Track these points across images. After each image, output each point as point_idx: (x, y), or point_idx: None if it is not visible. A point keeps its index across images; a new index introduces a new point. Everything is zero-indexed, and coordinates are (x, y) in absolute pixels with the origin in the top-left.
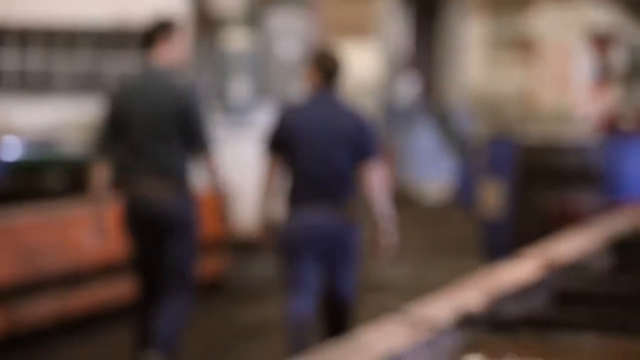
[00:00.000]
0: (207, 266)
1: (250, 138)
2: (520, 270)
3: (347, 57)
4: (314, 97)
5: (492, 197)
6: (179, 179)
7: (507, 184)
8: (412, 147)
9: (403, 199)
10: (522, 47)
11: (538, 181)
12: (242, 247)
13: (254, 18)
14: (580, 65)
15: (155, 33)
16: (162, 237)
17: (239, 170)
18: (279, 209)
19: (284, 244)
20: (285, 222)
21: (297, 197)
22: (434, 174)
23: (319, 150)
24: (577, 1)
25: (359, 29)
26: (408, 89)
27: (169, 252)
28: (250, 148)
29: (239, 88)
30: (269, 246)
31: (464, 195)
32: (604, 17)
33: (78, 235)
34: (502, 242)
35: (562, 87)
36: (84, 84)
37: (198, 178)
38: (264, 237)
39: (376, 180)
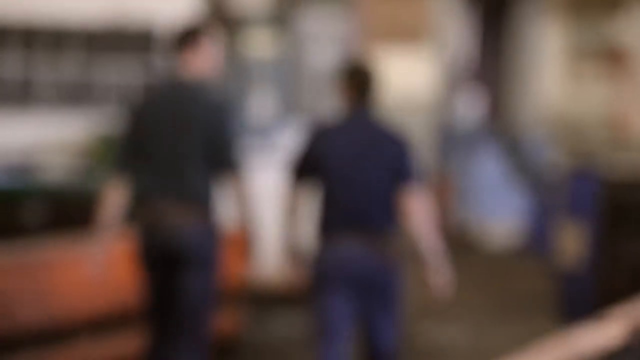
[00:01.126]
0: (224, 321)
1: (274, 164)
2: (604, 334)
3: (395, 68)
4: (347, 116)
5: (572, 243)
6: (203, 206)
7: (590, 228)
8: (474, 180)
9: (461, 244)
10: (610, 58)
11: (628, 225)
12: (262, 299)
13: (281, 19)
14: None
15: (182, 40)
16: (179, 271)
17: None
18: (305, 241)
19: (313, 282)
20: (314, 257)
21: (329, 228)
22: (500, 214)
23: (354, 176)
24: None
25: (411, 34)
26: (470, 108)
27: (185, 289)
28: (273, 177)
29: (262, 103)
30: (299, 279)
31: (537, 240)
32: None
33: (61, 282)
34: (582, 299)
35: None
36: (70, 96)
37: (224, 209)
38: (292, 268)
39: (420, 210)
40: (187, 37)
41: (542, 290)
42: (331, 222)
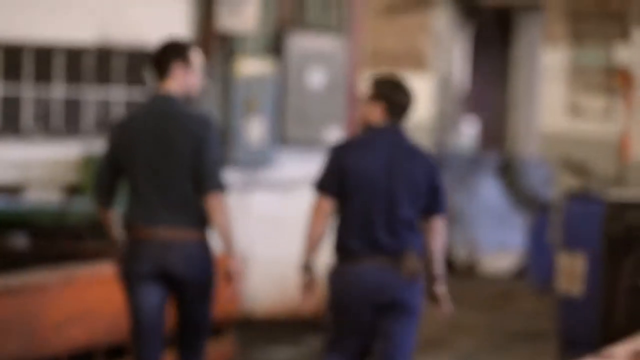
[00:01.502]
0: (211, 353)
1: (266, 195)
2: None
3: None
4: (374, 134)
5: (573, 271)
6: (194, 224)
7: (592, 255)
8: (471, 207)
9: (457, 271)
10: (612, 79)
11: (633, 252)
12: (253, 326)
13: (276, 40)
14: None
15: (166, 57)
16: (174, 290)
17: (248, 236)
18: (323, 260)
19: (331, 301)
20: (333, 275)
21: (350, 247)
22: (498, 241)
23: (380, 195)
24: None
25: (408, 59)
26: (467, 132)
27: (182, 307)
28: (264, 208)
29: (254, 129)
30: (308, 305)
31: (537, 268)
32: None
33: (50, 316)
34: (584, 331)
35: None
36: (58, 118)
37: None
38: (303, 292)
39: (440, 237)
40: (177, 53)
41: (542, 321)
42: (352, 242)
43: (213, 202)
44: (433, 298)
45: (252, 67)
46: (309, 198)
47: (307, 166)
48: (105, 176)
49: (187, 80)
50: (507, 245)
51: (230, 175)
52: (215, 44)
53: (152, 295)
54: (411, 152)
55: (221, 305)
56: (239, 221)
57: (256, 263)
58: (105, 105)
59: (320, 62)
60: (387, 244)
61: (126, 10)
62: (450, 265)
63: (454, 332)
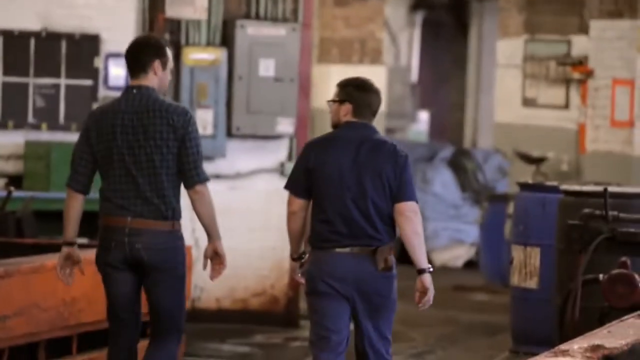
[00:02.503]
0: None
1: (215, 186)
2: None
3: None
4: (342, 130)
5: (527, 264)
6: (167, 212)
7: (547, 248)
8: (424, 199)
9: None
10: (572, 70)
11: (589, 245)
12: (198, 324)
13: (225, 30)
14: None
15: (146, 55)
16: (147, 277)
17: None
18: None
19: (309, 290)
20: (309, 264)
21: (324, 238)
22: (451, 233)
23: (351, 187)
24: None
25: (360, 49)
26: (421, 123)
27: (155, 294)
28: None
29: (202, 120)
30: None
31: (491, 261)
32: None
33: None
34: (539, 325)
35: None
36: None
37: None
38: (295, 279)
39: (412, 223)
40: (156, 52)
41: (496, 315)
42: (325, 234)
43: (197, 193)
44: (418, 290)
45: (200, 56)
46: (258, 189)
47: (257, 157)
48: (81, 163)
49: (161, 77)
50: (461, 237)
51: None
52: (164, 32)
53: (125, 282)
54: (378, 144)
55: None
56: (184, 212)
57: (203, 255)
58: (50, 93)
59: (270, 52)
60: (360, 234)
61: None
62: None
63: (410, 326)
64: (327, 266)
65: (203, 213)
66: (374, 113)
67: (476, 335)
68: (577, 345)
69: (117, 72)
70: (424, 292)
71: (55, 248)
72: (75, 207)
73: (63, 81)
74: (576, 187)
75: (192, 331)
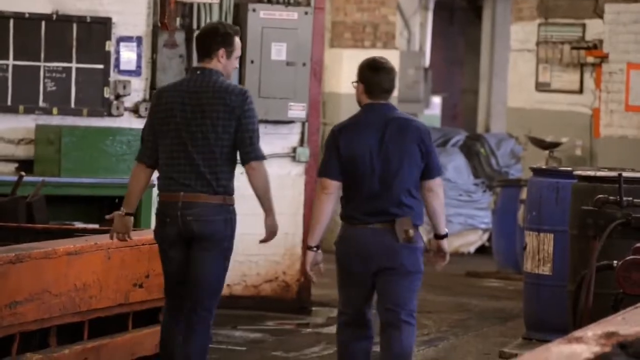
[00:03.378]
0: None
1: None
2: (576, 351)
3: (355, 68)
4: (365, 112)
5: (541, 250)
6: (220, 190)
7: (561, 234)
8: None
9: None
10: (586, 55)
11: (603, 231)
12: None
13: (237, 13)
14: None
15: (213, 42)
16: (194, 250)
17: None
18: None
19: (337, 262)
20: (338, 240)
21: (354, 216)
22: (463, 219)
23: (378, 167)
24: None
25: (373, 33)
26: (432, 107)
27: (201, 266)
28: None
29: None
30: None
31: (504, 247)
32: None
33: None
34: (552, 312)
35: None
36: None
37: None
38: (306, 265)
39: (438, 197)
40: (224, 40)
41: (510, 302)
42: (355, 209)
43: (253, 170)
44: (437, 252)
45: None
46: (271, 174)
47: (269, 142)
48: (148, 139)
49: (227, 64)
50: (474, 223)
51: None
52: (176, 15)
53: (180, 258)
54: (402, 122)
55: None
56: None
57: None
58: (61, 77)
59: (282, 36)
60: (389, 211)
61: None
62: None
63: (422, 313)
64: (354, 242)
65: (258, 187)
66: (386, 91)
67: (489, 321)
68: (591, 332)
69: (129, 56)
70: (443, 255)
71: (66, 233)
72: (141, 179)
73: (74, 65)
74: (590, 172)
75: None
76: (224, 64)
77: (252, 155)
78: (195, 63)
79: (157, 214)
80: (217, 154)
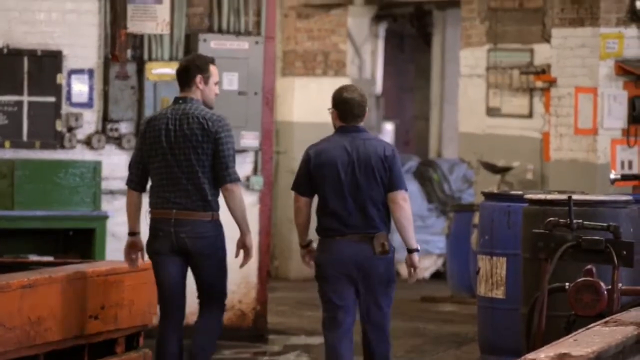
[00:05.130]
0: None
1: None
2: None
3: (309, 98)
4: (337, 134)
5: (494, 274)
6: (207, 207)
7: (513, 257)
8: None
9: None
10: (535, 79)
11: (555, 253)
12: None
13: (188, 44)
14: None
15: (190, 72)
16: (192, 259)
17: None
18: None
19: (317, 272)
20: (317, 251)
21: (328, 227)
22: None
23: (346, 182)
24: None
25: (324, 62)
26: (384, 134)
27: (199, 273)
28: None
29: None
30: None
31: (457, 271)
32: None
33: None
34: (506, 335)
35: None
36: None
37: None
38: (305, 263)
39: (403, 209)
40: (199, 69)
41: (464, 326)
42: (328, 224)
43: (228, 191)
44: (408, 266)
45: (164, 71)
46: (224, 203)
47: None
48: (137, 165)
49: (205, 90)
50: (428, 248)
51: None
52: (127, 47)
53: (171, 267)
54: (368, 142)
55: (138, 313)
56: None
57: None
58: (12, 110)
59: (234, 66)
60: (358, 224)
61: (33, 11)
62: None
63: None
64: (333, 253)
65: (233, 209)
66: (358, 115)
67: (444, 346)
68: (544, 354)
69: (80, 88)
70: (414, 268)
71: (20, 266)
72: (133, 202)
73: (26, 98)
74: (540, 196)
75: None
76: (202, 90)
77: (228, 179)
78: (177, 95)
79: (150, 229)
80: (200, 173)
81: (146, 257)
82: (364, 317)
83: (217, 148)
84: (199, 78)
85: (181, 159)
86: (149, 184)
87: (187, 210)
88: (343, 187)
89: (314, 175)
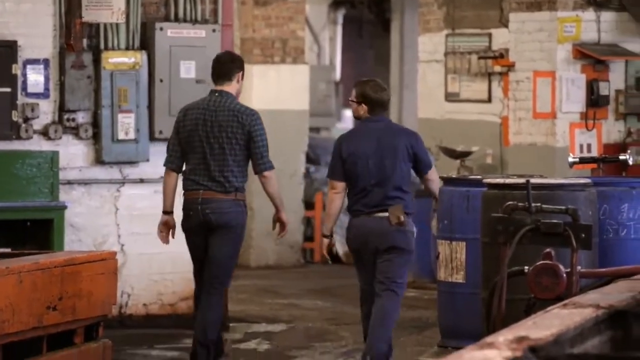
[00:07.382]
0: (85, 353)
1: (136, 191)
2: (488, 356)
3: (269, 85)
4: (365, 124)
5: (453, 257)
6: (232, 189)
7: (472, 242)
8: None
9: (338, 263)
10: (493, 64)
11: (514, 237)
12: (125, 330)
13: (144, 33)
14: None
15: (232, 66)
16: (213, 235)
17: (122, 233)
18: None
19: (348, 246)
20: (347, 228)
21: (357, 209)
22: None
23: (375, 168)
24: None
25: (282, 49)
26: (344, 121)
27: (217, 249)
28: (136, 205)
29: (123, 124)
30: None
31: (418, 256)
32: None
33: None
34: (466, 319)
35: (546, 113)
36: None
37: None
38: (323, 252)
39: (434, 182)
40: (240, 65)
41: (424, 310)
42: (356, 204)
43: (265, 178)
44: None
45: (120, 60)
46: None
47: None
48: (174, 147)
49: (238, 87)
50: None
51: (100, 172)
52: (82, 36)
53: (200, 239)
54: (394, 130)
55: (97, 304)
56: (109, 217)
57: (130, 260)
58: None
59: (191, 54)
60: (383, 203)
61: None
62: (330, 256)
63: (338, 325)
64: (359, 229)
65: (270, 192)
66: (385, 108)
67: (405, 331)
68: (503, 337)
69: (36, 79)
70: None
71: None
72: (170, 182)
73: None
74: (499, 180)
75: (120, 337)
76: (238, 85)
77: (263, 167)
78: (213, 86)
79: (183, 209)
80: (229, 161)
81: (177, 234)
82: (377, 286)
83: (252, 140)
84: (240, 74)
85: (215, 147)
86: (185, 169)
87: (212, 191)
88: (371, 172)
89: (346, 162)
